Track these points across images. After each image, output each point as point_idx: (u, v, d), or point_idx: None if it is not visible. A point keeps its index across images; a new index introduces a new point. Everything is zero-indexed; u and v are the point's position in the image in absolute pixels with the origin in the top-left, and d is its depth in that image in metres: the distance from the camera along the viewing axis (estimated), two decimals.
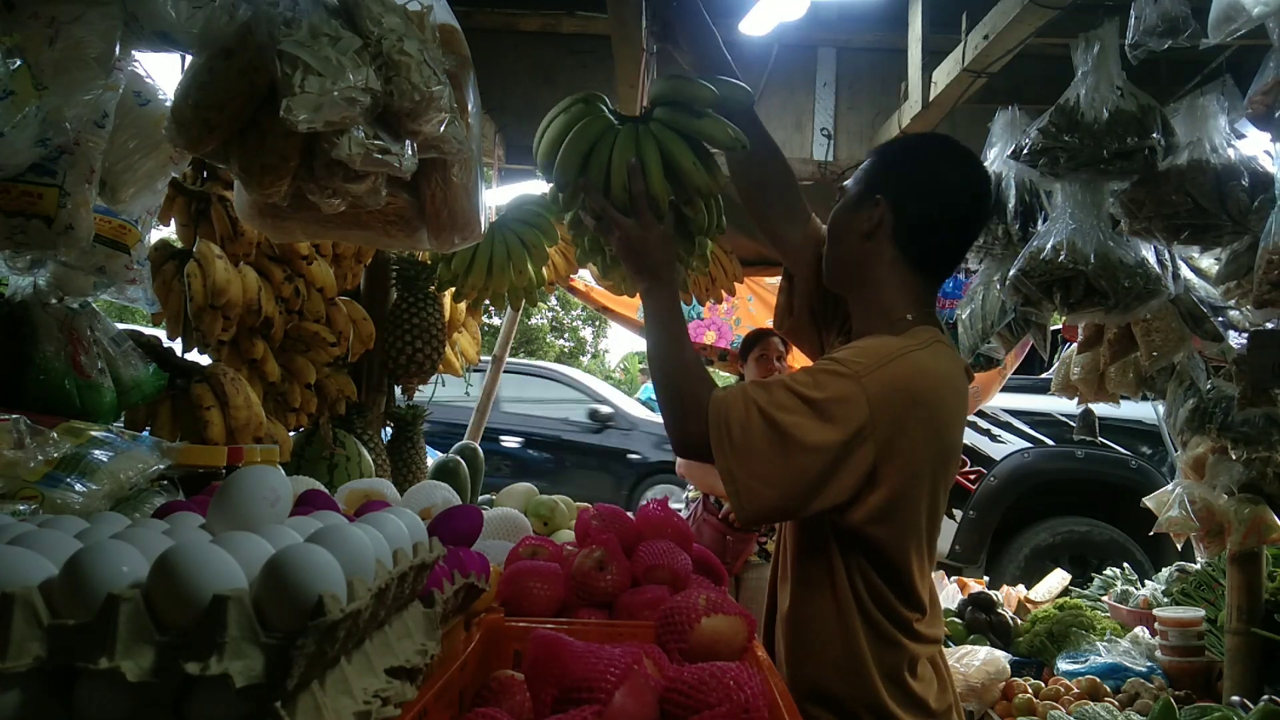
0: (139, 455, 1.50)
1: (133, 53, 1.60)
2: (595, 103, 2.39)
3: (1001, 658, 3.21)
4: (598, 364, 24.56)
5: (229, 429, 2.14)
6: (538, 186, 2.57)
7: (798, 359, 5.00)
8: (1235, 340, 2.52)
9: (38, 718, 0.66)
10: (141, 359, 1.96)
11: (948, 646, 3.45)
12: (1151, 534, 3.26)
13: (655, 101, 2.37)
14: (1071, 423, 4.42)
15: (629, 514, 1.58)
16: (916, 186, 1.44)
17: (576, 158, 2.37)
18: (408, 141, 1.28)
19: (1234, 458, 2.92)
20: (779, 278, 5.40)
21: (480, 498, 3.25)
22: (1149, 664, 3.20)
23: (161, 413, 2.11)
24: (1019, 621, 3.76)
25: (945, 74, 2.65)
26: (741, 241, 4.45)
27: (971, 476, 5.41)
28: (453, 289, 3.00)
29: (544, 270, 3.11)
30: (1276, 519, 2.90)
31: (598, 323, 23.54)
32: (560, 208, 2.49)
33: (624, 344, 27.66)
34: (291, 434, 2.84)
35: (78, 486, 1.34)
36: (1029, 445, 5.44)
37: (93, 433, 1.50)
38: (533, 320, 21.59)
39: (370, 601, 0.75)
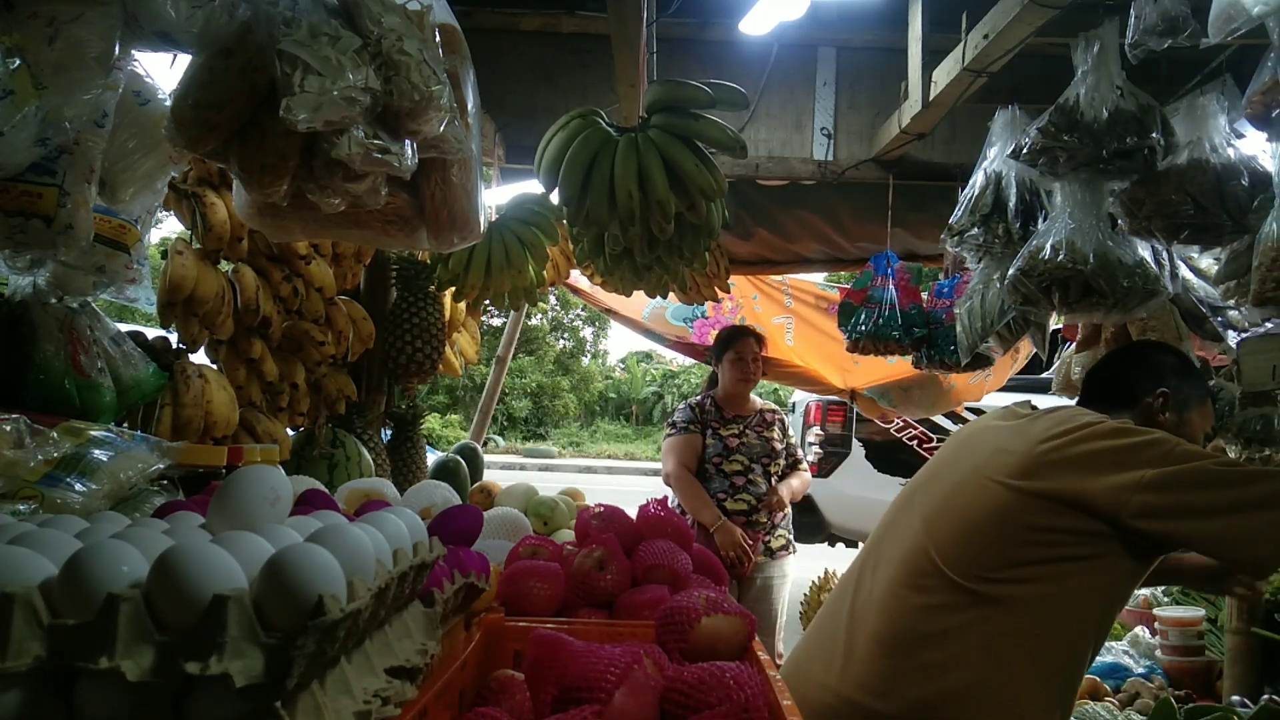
0: (139, 455, 1.50)
1: (133, 52, 1.60)
2: (592, 116, 2.40)
3: None
4: (598, 364, 24.59)
5: (174, 426, 2.14)
6: (537, 186, 2.57)
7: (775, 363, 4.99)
8: (1235, 340, 2.52)
9: (38, 718, 0.66)
10: (142, 359, 1.97)
11: None
12: None
13: (651, 108, 2.38)
14: None
15: (629, 514, 1.58)
16: None
17: (579, 171, 2.37)
18: (407, 141, 1.28)
19: (1232, 457, 2.91)
20: (785, 276, 5.33)
21: None
22: (1149, 664, 3.19)
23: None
24: None
25: (945, 73, 2.65)
26: (739, 244, 4.44)
27: None
28: (452, 288, 3.01)
29: (544, 270, 3.12)
30: None
31: (598, 323, 23.55)
32: (567, 220, 2.49)
33: (624, 344, 27.71)
34: (291, 434, 2.84)
35: (78, 486, 1.34)
36: None
37: (93, 433, 1.50)
38: (533, 320, 21.61)
39: (370, 601, 0.75)
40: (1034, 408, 1.80)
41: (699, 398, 3.69)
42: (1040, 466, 1.58)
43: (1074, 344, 3.04)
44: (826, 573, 4.79)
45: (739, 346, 3.61)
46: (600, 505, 1.62)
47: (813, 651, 1.77)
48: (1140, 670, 3.14)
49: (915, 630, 1.59)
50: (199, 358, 2.42)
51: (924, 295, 3.53)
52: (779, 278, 4.99)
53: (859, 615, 1.69)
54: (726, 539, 3.30)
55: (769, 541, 3.47)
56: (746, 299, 5.01)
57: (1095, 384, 1.88)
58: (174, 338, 2.38)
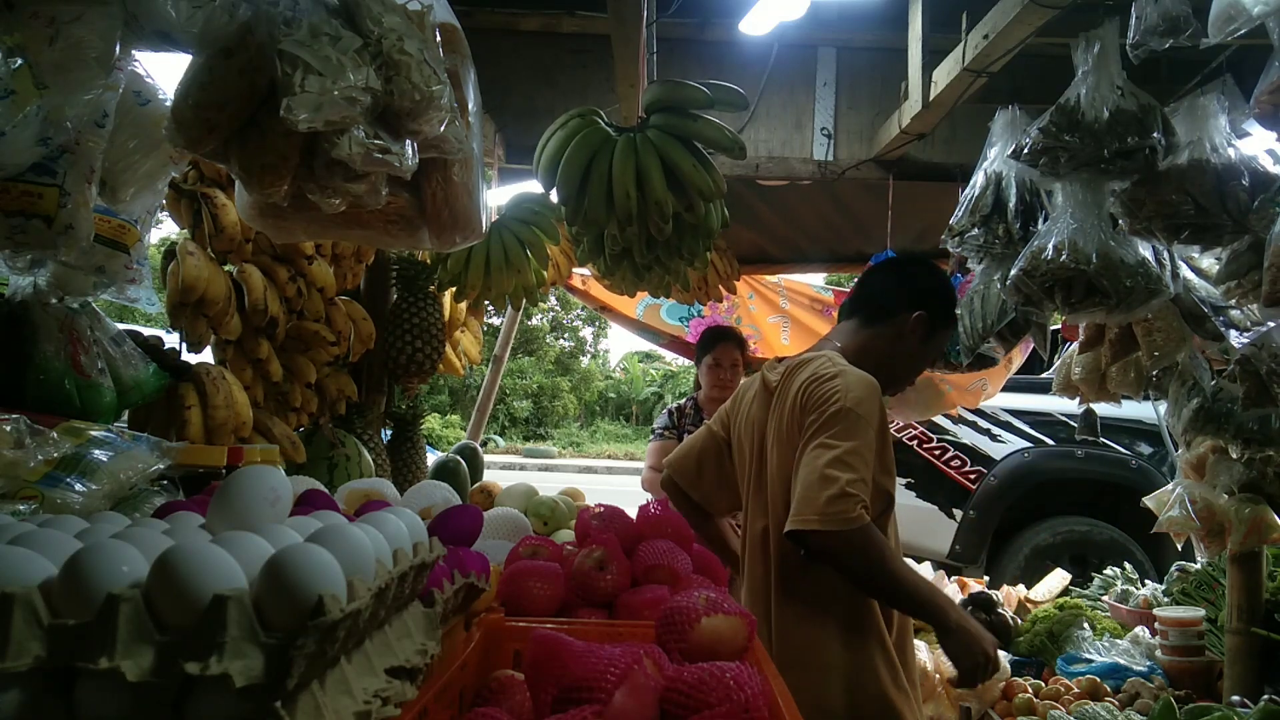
0: (139, 455, 1.50)
1: (133, 53, 1.60)
2: (591, 116, 2.40)
3: (1001, 657, 3.21)
4: (598, 364, 24.57)
5: (207, 428, 2.14)
6: (537, 186, 2.58)
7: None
8: (1236, 340, 2.51)
9: (38, 718, 0.66)
10: (142, 359, 1.96)
11: None
12: (1152, 534, 3.26)
13: (650, 108, 2.38)
14: (1072, 422, 4.39)
15: (629, 514, 1.58)
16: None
17: (577, 171, 2.37)
18: (408, 141, 1.28)
19: (1234, 457, 2.91)
20: (781, 275, 5.34)
21: None
22: (1149, 664, 3.19)
23: (144, 410, 2.11)
24: (1019, 621, 3.76)
25: (945, 73, 2.65)
26: (742, 237, 4.45)
27: (972, 476, 5.41)
28: (453, 288, 3.01)
29: (544, 270, 3.12)
30: (1277, 519, 2.90)
31: (598, 323, 23.54)
32: (566, 219, 2.49)
33: (624, 344, 27.69)
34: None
35: (78, 486, 1.34)
36: (1029, 445, 5.43)
37: (93, 433, 1.50)
38: (533, 320, 21.61)
39: (370, 601, 0.75)
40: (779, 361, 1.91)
41: (683, 401, 3.67)
42: (798, 424, 1.68)
43: (1074, 344, 3.04)
44: None
45: (716, 352, 3.50)
46: (600, 505, 1.62)
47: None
48: (1140, 670, 3.14)
49: (773, 588, 1.76)
50: (200, 358, 2.42)
51: None
52: (774, 279, 4.99)
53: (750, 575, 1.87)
54: None
55: None
56: (742, 299, 5.01)
57: (860, 293, 1.96)
58: (174, 338, 2.38)
